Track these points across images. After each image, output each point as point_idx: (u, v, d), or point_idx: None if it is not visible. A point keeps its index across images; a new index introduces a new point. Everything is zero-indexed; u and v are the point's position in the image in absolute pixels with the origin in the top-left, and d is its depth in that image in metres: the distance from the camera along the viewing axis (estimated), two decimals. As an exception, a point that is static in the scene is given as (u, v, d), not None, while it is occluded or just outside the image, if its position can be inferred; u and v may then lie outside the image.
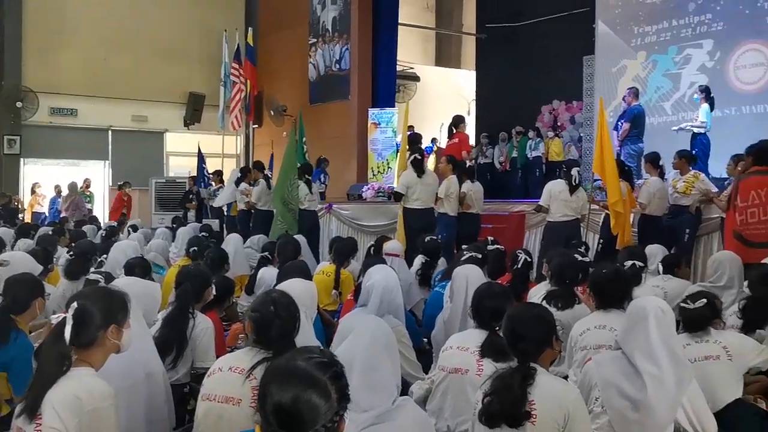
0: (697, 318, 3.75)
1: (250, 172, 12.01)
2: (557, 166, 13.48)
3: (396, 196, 9.06)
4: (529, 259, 5.81)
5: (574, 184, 8.12)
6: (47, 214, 15.84)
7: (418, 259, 7.17)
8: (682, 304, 3.84)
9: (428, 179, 8.88)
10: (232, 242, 7.99)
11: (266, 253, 7.23)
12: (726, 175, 8.29)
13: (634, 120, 10.17)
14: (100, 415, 2.58)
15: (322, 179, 13.96)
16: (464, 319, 4.23)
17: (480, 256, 5.86)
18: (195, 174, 15.86)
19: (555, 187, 8.21)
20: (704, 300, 3.79)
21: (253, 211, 11.41)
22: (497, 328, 3.51)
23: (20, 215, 14.71)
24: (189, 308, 4.13)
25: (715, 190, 7.82)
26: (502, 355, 3.31)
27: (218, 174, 14.62)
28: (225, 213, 12.87)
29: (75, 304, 2.71)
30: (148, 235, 10.03)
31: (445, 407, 3.55)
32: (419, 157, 8.99)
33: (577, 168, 8.45)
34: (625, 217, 7.94)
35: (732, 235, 6.34)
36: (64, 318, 2.70)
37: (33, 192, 16.39)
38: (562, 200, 8.09)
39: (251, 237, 9.12)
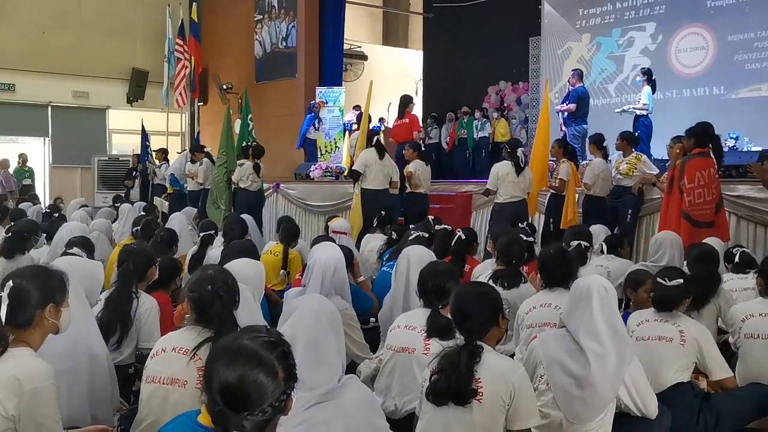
0: (670, 297, 3.78)
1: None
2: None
3: (354, 174, 9.00)
4: (464, 237, 5.80)
5: (521, 165, 8.19)
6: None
7: (381, 236, 7.21)
8: (659, 279, 3.84)
9: (386, 162, 8.90)
10: (176, 221, 7.87)
11: (212, 232, 6.96)
12: (667, 157, 8.47)
13: (578, 101, 10.30)
14: (40, 395, 2.52)
15: (316, 125, 13.78)
16: (407, 298, 4.25)
17: (427, 235, 5.87)
18: (139, 152, 15.55)
19: (502, 170, 8.25)
20: (680, 279, 3.81)
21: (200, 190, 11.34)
22: (441, 306, 3.54)
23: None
24: (132, 287, 4.06)
25: (656, 171, 7.97)
26: (446, 333, 3.33)
27: (163, 152, 14.39)
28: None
29: (10, 283, 2.64)
30: (91, 214, 9.83)
31: (393, 386, 3.56)
32: (382, 141, 9.01)
33: (522, 148, 8.52)
34: (569, 197, 8.07)
35: (680, 216, 6.43)
36: None
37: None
38: (509, 182, 8.15)
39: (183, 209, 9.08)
